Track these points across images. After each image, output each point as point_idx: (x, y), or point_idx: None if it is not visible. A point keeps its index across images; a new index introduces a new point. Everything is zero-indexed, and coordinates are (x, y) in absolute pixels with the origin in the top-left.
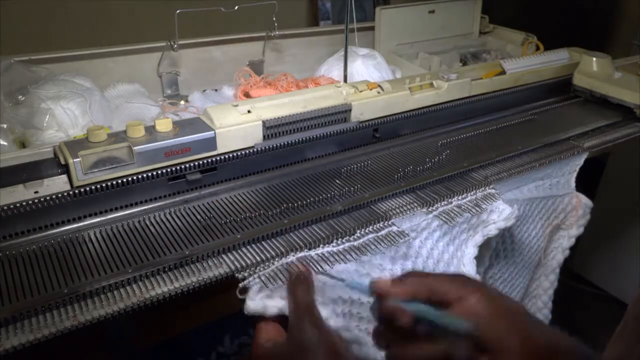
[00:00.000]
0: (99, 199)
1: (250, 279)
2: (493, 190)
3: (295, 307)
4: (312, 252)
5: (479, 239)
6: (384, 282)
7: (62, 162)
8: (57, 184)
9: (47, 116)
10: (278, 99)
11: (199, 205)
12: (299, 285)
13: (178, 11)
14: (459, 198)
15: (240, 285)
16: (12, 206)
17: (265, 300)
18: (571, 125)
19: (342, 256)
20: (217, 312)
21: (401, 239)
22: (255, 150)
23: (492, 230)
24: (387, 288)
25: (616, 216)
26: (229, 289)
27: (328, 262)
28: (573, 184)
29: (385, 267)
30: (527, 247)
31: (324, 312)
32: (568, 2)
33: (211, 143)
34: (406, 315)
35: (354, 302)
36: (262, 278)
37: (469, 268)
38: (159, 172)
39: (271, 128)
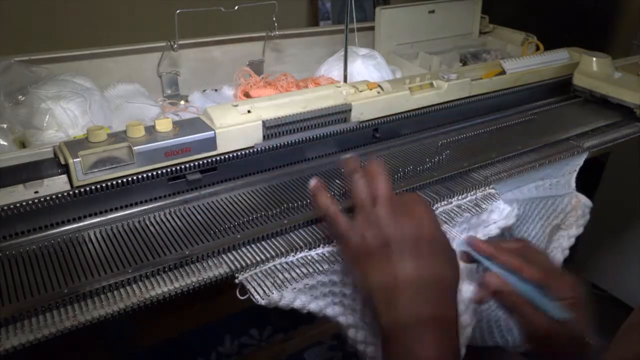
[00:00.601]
0: (98, 199)
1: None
2: (493, 190)
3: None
4: (313, 252)
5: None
6: (487, 244)
7: (62, 162)
8: (57, 184)
9: (47, 116)
10: (278, 99)
11: (199, 205)
12: (319, 195)
13: (178, 11)
14: (459, 198)
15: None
16: (12, 206)
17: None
18: (571, 125)
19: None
20: (217, 312)
21: None
22: (255, 150)
23: (492, 229)
24: (491, 251)
25: (616, 216)
26: (229, 289)
27: (329, 262)
28: (573, 184)
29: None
30: None
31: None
32: (568, 2)
33: (211, 143)
34: (509, 289)
35: (335, 284)
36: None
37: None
38: (159, 172)
39: (271, 128)
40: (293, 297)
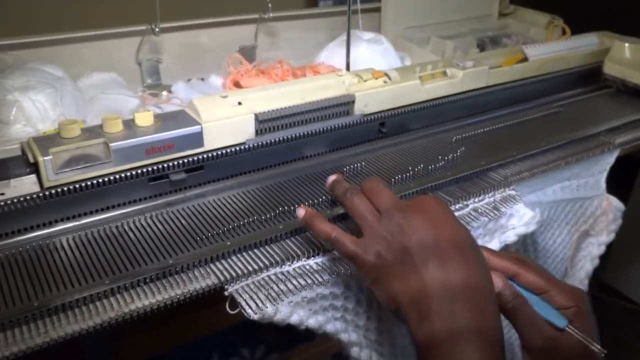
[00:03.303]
0: (72, 202)
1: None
2: (513, 192)
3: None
4: (311, 261)
5: (495, 245)
6: (482, 248)
7: (31, 160)
8: (25, 185)
9: (14, 109)
10: (272, 90)
11: (183, 209)
12: (315, 223)
13: None
14: (476, 200)
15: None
16: None
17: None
18: (601, 119)
19: (344, 265)
20: (204, 329)
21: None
22: (246, 146)
23: (510, 236)
24: (487, 256)
25: None
26: (217, 302)
27: (329, 272)
28: (603, 185)
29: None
30: (552, 256)
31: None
32: None
33: (197, 139)
34: (513, 291)
35: (337, 297)
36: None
37: None
38: (139, 171)
39: (264, 122)
40: (289, 311)
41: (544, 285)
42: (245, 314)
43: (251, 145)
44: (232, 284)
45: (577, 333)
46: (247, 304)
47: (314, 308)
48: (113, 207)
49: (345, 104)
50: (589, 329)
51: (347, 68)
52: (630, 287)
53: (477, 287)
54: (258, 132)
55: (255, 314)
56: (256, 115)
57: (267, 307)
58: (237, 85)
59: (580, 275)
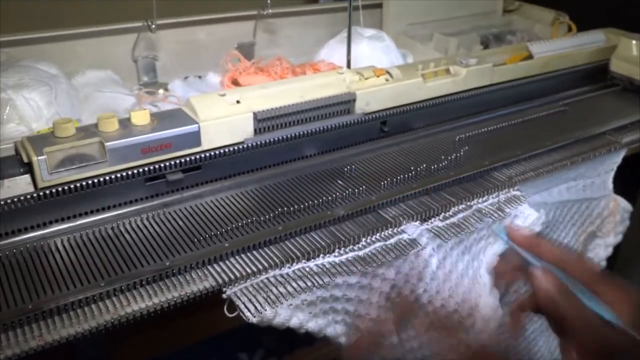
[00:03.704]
0: (66, 203)
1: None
2: (518, 192)
3: None
4: (311, 263)
5: (499, 247)
6: (529, 234)
7: (25, 160)
8: (18, 185)
9: (8, 107)
10: (271, 88)
11: (180, 210)
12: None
13: None
14: (479, 201)
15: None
16: None
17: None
18: (607, 118)
19: (345, 267)
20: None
21: (413, 248)
22: (245, 146)
23: None
24: (533, 243)
25: None
26: (215, 305)
27: (329, 274)
28: (610, 186)
29: (386, 276)
30: None
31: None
32: None
33: (195, 138)
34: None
35: (337, 299)
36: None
37: (486, 280)
38: (135, 171)
39: (263, 121)
40: (289, 314)
41: (595, 280)
42: (244, 317)
43: (250, 145)
44: (230, 287)
45: (629, 331)
46: (246, 306)
47: (314, 311)
48: (109, 207)
49: (346, 103)
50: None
51: (348, 66)
52: (638, 289)
53: None
54: (257, 131)
55: (254, 317)
56: (255, 114)
57: (266, 310)
58: (236, 83)
59: None
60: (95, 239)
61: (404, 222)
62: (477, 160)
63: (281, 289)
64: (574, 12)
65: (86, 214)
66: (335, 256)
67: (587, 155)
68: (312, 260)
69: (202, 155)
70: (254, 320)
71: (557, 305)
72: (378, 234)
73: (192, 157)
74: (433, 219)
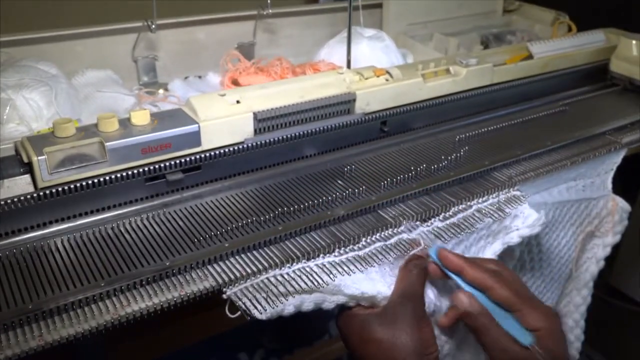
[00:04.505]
0: (66, 203)
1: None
2: (518, 192)
3: (403, 289)
4: (311, 263)
5: (498, 247)
6: (456, 257)
7: (25, 160)
8: (18, 185)
9: (7, 108)
10: (271, 88)
11: (180, 210)
12: (416, 268)
13: None
14: (479, 201)
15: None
16: None
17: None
18: (607, 118)
19: (345, 267)
20: (202, 333)
21: (413, 248)
22: (245, 146)
23: (514, 238)
24: (460, 265)
25: None
26: (215, 305)
27: (329, 274)
28: (609, 186)
29: (385, 273)
30: (557, 257)
31: None
32: None
33: (195, 138)
34: (480, 310)
35: None
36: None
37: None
38: (135, 171)
39: (263, 121)
40: (299, 301)
41: (515, 303)
42: (251, 316)
43: (250, 145)
44: (230, 287)
45: (540, 353)
46: (252, 304)
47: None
48: (109, 207)
49: (346, 103)
50: (557, 350)
51: (348, 66)
52: (637, 289)
53: None
54: (257, 131)
55: (261, 314)
56: (255, 114)
57: (266, 310)
58: (236, 83)
59: (586, 277)
60: (95, 239)
61: (404, 222)
62: (477, 160)
63: (281, 289)
64: (574, 12)
65: (86, 214)
66: (335, 256)
67: (587, 155)
68: (313, 260)
69: (202, 155)
70: (262, 317)
71: (477, 327)
72: (378, 234)
73: (192, 157)
74: (433, 219)
